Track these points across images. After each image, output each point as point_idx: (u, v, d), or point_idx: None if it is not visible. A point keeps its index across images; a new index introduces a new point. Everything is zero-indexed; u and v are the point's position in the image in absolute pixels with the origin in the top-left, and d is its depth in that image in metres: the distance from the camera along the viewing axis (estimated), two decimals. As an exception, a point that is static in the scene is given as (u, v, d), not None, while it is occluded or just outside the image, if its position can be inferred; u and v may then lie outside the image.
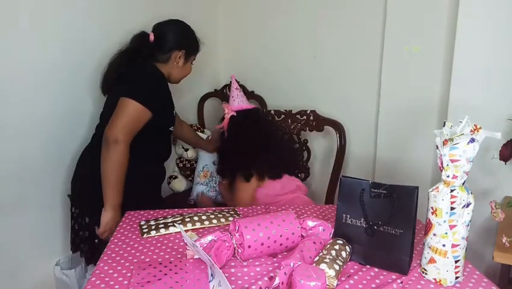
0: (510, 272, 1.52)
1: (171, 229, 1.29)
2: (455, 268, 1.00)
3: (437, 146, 0.99)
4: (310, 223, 1.19)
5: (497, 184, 1.68)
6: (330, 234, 1.18)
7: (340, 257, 1.05)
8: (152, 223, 1.34)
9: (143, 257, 1.16)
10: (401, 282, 1.03)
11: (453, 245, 0.99)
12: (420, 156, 1.94)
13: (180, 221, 1.32)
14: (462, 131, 0.97)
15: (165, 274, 1.05)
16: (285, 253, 1.17)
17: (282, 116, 2.15)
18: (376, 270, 1.09)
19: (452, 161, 0.96)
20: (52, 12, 1.60)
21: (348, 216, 1.14)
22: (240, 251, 1.12)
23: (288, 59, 2.34)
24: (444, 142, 0.96)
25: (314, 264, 1.01)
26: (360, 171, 2.18)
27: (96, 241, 1.61)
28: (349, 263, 1.11)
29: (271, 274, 1.05)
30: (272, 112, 2.18)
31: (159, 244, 1.23)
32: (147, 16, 1.77)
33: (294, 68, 2.33)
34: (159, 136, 1.70)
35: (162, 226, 1.31)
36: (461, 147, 0.94)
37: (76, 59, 1.72)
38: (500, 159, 1.52)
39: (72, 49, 1.70)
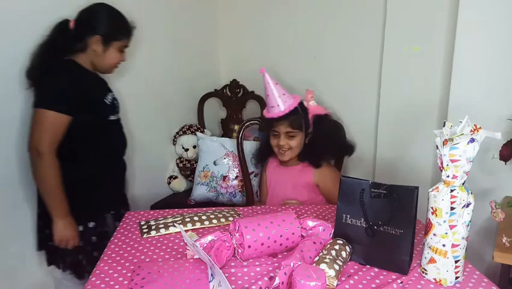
0: (510, 272, 1.52)
1: (171, 229, 1.29)
2: (455, 268, 1.00)
3: (436, 146, 0.99)
4: (310, 223, 1.19)
5: (497, 184, 1.68)
6: (330, 234, 1.18)
7: (340, 257, 1.05)
8: (152, 223, 1.34)
9: (143, 257, 1.16)
10: (401, 282, 1.03)
11: (453, 245, 0.99)
12: (420, 156, 1.94)
13: (180, 221, 1.32)
14: (462, 131, 0.97)
15: (165, 274, 1.05)
16: (285, 253, 1.17)
17: (282, 116, 2.15)
18: (376, 270, 1.09)
19: (452, 161, 0.96)
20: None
21: (348, 216, 1.14)
22: (240, 251, 1.12)
23: (288, 59, 2.34)
24: (444, 142, 0.96)
25: (314, 264, 1.01)
26: (360, 171, 2.18)
27: (50, 243, 1.54)
28: (349, 263, 1.11)
29: (271, 274, 1.05)
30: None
31: (159, 244, 1.23)
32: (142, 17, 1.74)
33: (294, 68, 2.33)
34: (100, 132, 1.57)
35: (162, 226, 1.31)
36: (461, 147, 0.94)
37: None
38: (500, 159, 1.52)
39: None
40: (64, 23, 1.53)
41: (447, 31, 1.76)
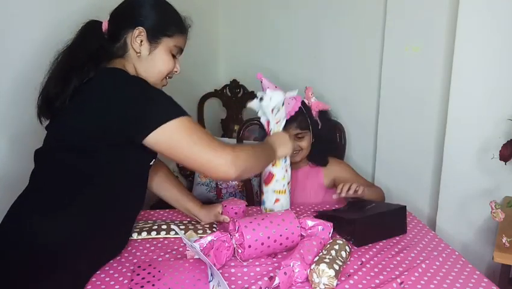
0: (510, 272, 1.52)
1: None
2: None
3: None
4: (309, 223, 1.19)
5: (497, 184, 1.68)
6: (329, 233, 1.18)
7: (339, 257, 1.06)
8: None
9: (143, 257, 1.16)
10: (401, 282, 1.03)
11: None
12: (420, 156, 1.94)
13: (147, 228, 1.29)
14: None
15: (165, 274, 1.05)
16: (285, 253, 1.17)
17: (282, 116, 2.14)
18: (376, 269, 1.09)
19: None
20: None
21: None
22: (240, 251, 1.12)
23: (288, 59, 2.34)
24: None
25: (314, 264, 1.01)
26: (360, 171, 2.17)
27: None
28: (349, 263, 1.11)
29: (271, 274, 1.05)
30: (272, 112, 2.17)
31: (159, 245, 1.23)
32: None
33: (294, 68, 2.33)
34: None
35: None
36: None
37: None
38: (500, 159, 1.52)
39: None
40: (92, 24, 1.18)
41: (447, 31, 1.76)
